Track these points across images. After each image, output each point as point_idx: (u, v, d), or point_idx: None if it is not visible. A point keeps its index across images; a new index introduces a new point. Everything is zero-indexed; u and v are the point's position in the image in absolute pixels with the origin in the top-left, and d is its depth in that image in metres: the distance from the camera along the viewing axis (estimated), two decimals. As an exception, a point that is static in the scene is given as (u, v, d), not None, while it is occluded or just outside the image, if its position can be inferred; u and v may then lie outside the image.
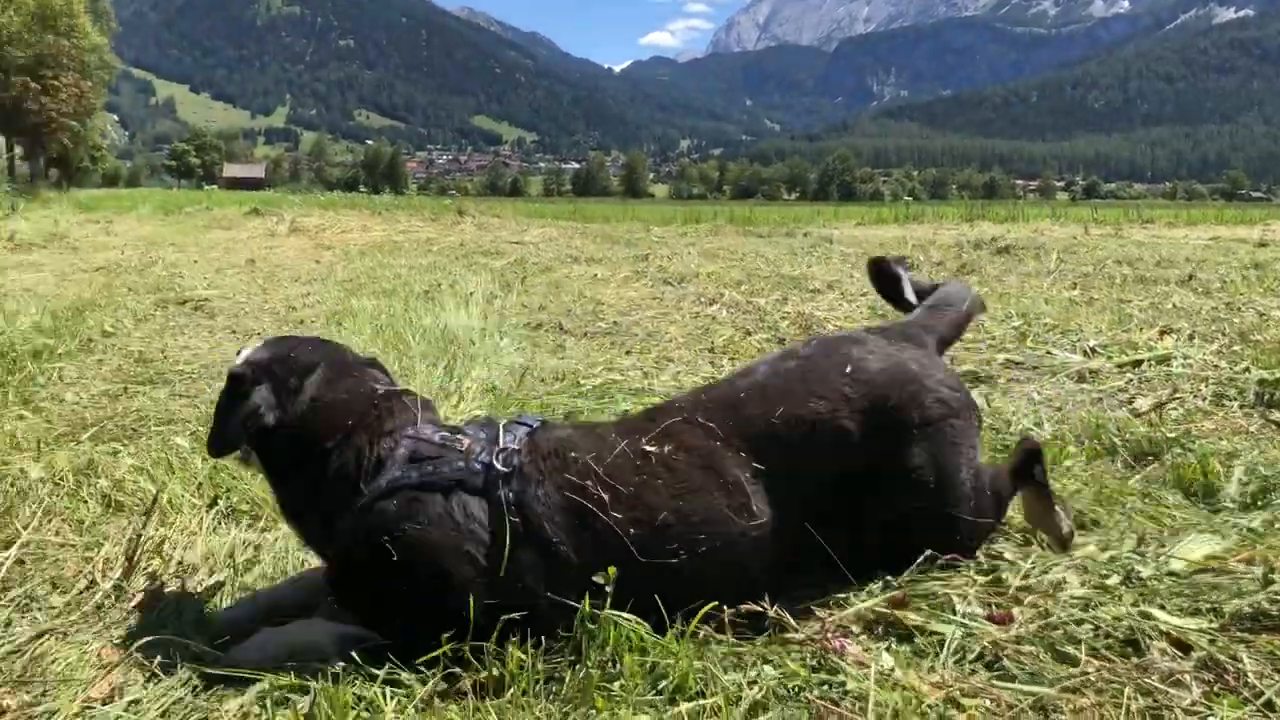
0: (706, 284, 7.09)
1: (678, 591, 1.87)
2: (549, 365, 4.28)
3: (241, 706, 1.64)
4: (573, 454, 1.99)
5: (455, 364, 4.37)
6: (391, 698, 1.64)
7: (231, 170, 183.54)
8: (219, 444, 2.05)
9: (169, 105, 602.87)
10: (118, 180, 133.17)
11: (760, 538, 1.98)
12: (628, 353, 4.51)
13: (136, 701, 1.68)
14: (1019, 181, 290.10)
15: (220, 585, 2.22)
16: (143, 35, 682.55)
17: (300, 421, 2.02)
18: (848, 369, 2.11)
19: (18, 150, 55.86)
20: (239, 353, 2.16)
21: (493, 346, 4.85)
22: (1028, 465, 2.27)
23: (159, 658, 1.80)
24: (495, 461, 1.93)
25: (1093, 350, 4.41)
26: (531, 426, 2.07)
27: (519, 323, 5.70)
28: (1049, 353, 4.43)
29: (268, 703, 1.65)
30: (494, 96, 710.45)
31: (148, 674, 1.77)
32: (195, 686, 1.73)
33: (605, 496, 1.91)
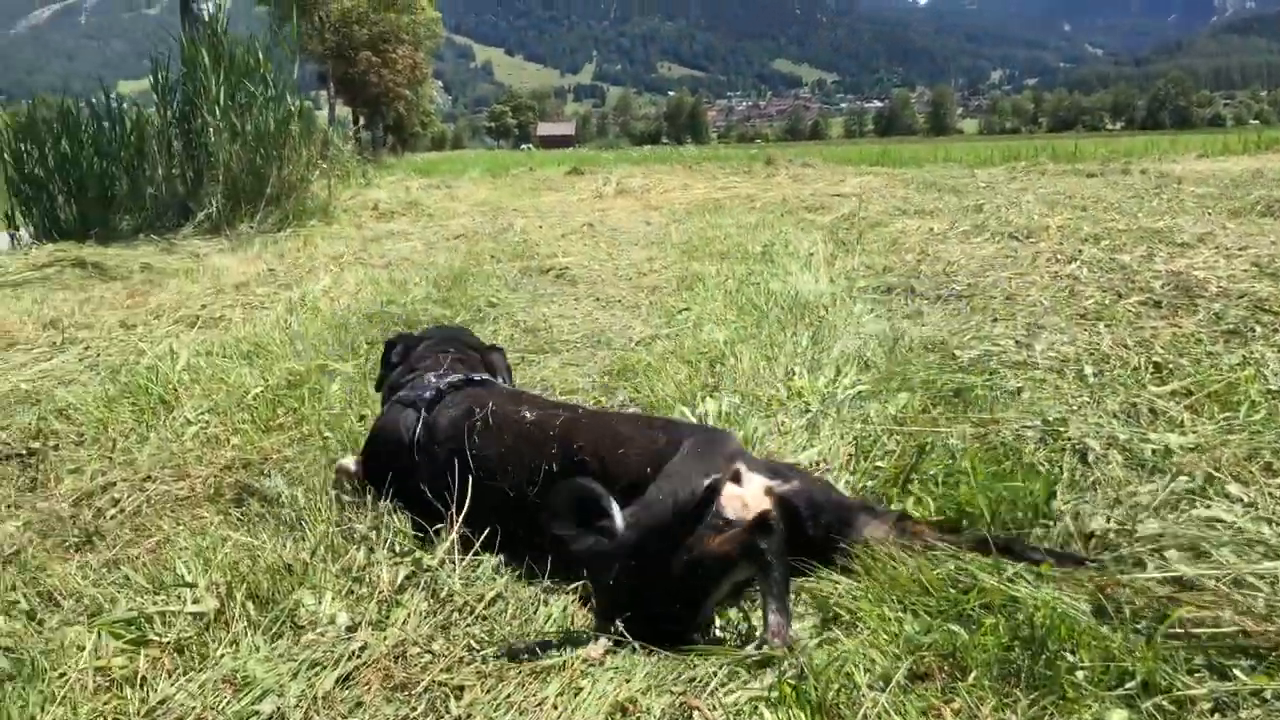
0: (1056, 237, 6.79)
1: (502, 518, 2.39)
2: (915, 334, 4.29)
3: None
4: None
5: (818, 333, 4.48)
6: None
7: (544, 129, 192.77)
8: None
9: (487, 68, 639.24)
10: (444, 143, 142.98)
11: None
12: (995, 320, 4.43)
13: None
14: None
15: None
16: (463, 3, 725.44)
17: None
18: None
19: (360, 121, 61.24)
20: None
21: (847, 313, 4.92)
22: None
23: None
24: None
25: None
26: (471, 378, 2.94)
27: (867, 286, 5.72)
28: None
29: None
30: (793, 39, 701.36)
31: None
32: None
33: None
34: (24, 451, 3.56)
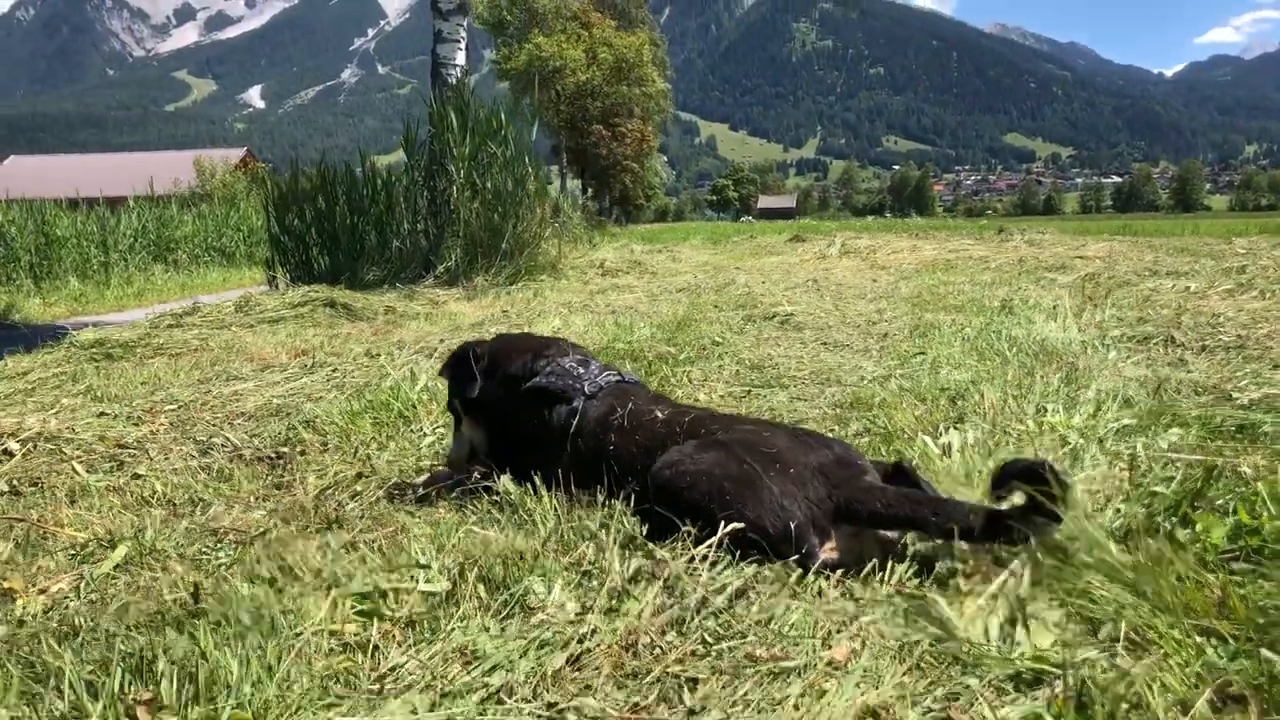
0: (1338, 295, 6.15)
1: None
2: (1180, 378, 3.92)
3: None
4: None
5: (1070, 375, 4.16)
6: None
7: (765, 201, 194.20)
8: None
9: (710, 143, 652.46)
10: (666, 215, 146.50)
11: None
12: (1276, 367, 3.99)
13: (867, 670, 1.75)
14: None
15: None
16: (689, 80, 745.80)
17: None
18: None
19: (589, 191, 63.61)
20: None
21: (1101, 359, 4.56)
22: None
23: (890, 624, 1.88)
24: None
25: None
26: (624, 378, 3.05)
27: (1121, 335, 5.31)
28: None
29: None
30: (1026, 112, 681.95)
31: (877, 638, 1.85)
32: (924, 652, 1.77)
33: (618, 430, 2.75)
34: (273, 455, 3.72)
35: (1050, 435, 3.16)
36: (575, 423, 2.83)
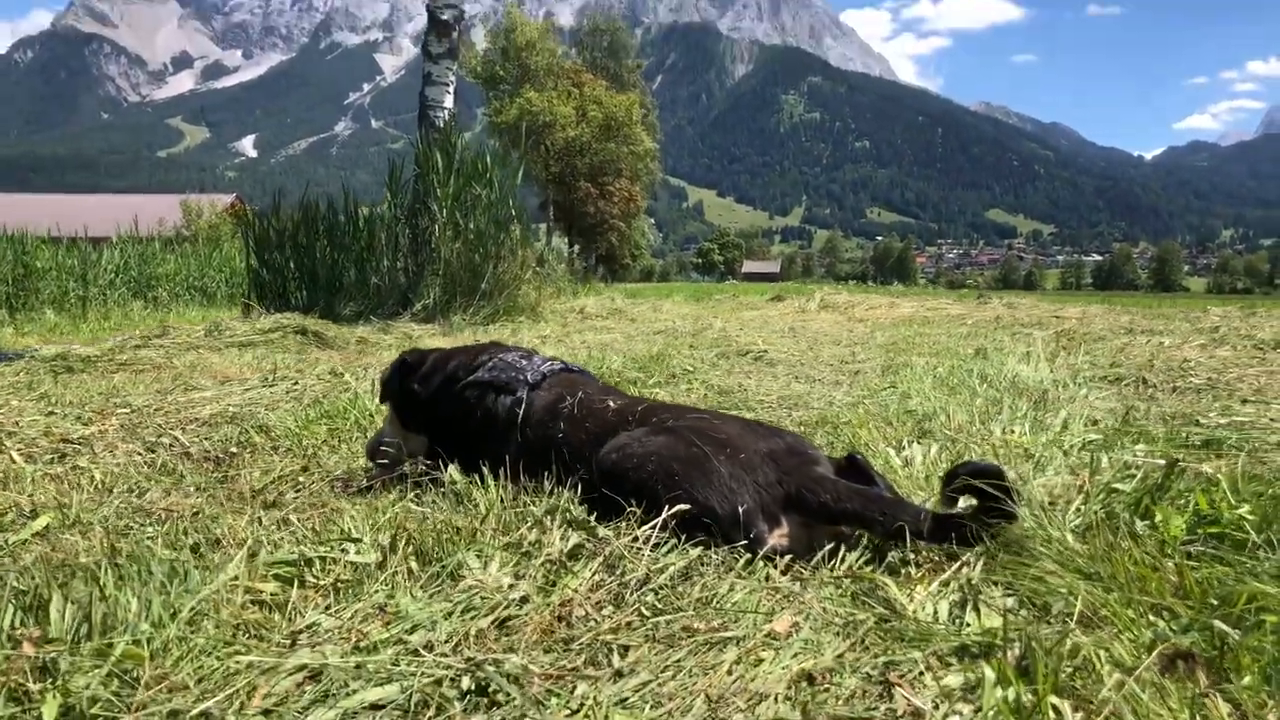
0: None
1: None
2: (1149, 409, 3.87)
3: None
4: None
5: (1040, 402, 4.11)
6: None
7: (749, 266, 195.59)
8: None
9: (698, 208, 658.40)
10: (651, 275, 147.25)
11: None
12: (1244, 402, 3.95)
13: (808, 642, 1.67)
14: None
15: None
16: (679, 146, 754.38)
17: None
18: None
19: (575, 247, 63.95)
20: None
21: (1072, 394, 4.52)
22: None
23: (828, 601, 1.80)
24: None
25: None
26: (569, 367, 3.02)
27: (1093, 376, 5.27)
28: None
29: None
30: (1009, 189, 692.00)
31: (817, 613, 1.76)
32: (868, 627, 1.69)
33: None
34: (222, 454, 3.62)
35: (1015, 450, 3.10)
36: (521, 412, 2.75)
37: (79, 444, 3.67)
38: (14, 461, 3.28)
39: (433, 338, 9.65)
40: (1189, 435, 3.00)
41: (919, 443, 3.21)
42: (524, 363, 2.95)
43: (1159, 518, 2.05)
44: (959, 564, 2.00)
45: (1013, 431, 3.42)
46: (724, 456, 2.22)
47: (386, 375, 3.24)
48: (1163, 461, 2.52)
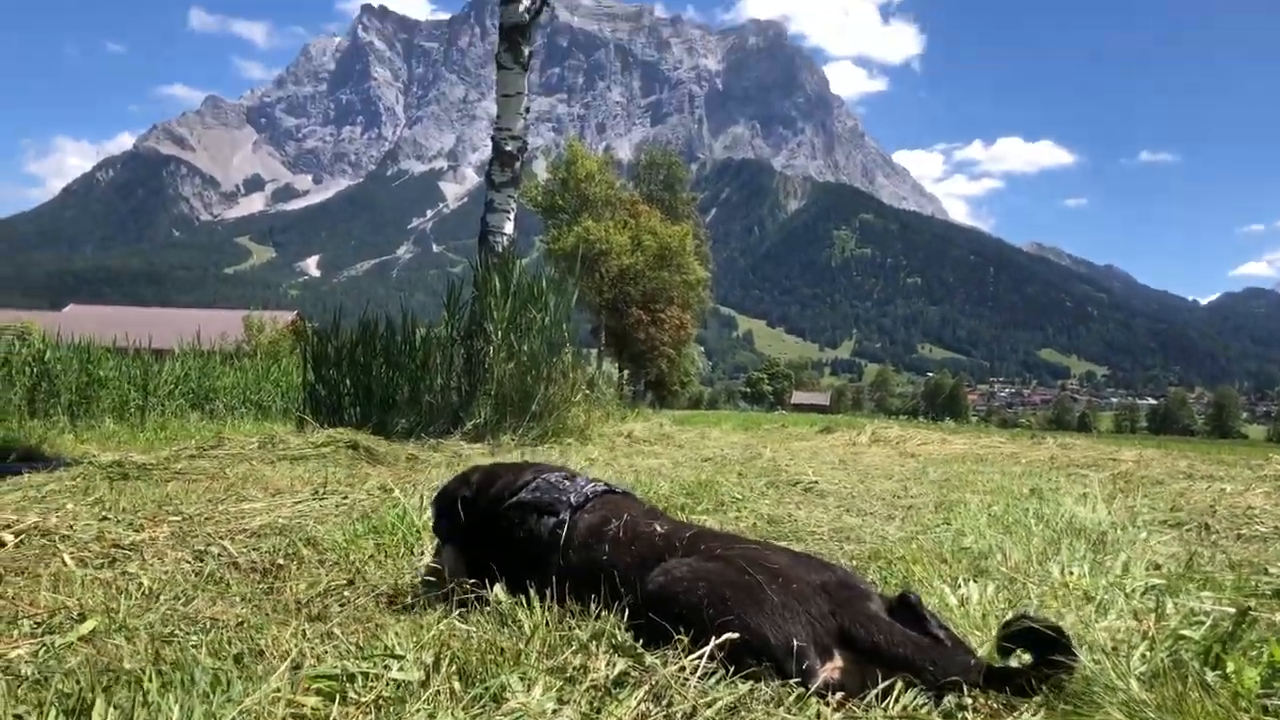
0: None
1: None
2: (1215, 557, 3.75)
3: None
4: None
5: (1100, 545, 4.00)
6: None
7: (799, 397, 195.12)
8: None
9: (748, 338, 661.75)
10: (700, 403, 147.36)
11: None
12: (1315, 553, 3.82)
13: None
14: None
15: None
16: (731, 277, 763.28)
17: None
18: None
19: (625, 372, 64.37)
20: None
21: (1131, 537, 4.40)
22: None
23: None
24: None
25: None
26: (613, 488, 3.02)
27: (1152, 519, 5.14)
28: None
29: None
30: (1062, 330, 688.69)
31: None
32: None
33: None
34: (269, 565, 3.62)
35: (1074, 592, 3.00)
36: (564, 534, 2.73)
37: (129, 550, 3.70)
38: (66, 565, 3.31)
39: (482, 457, 9.69)
40: (1258, 584, 2.89)
41: (975, 581, 3.13)
42: (567, 484, 2.95)
43: (1231, 668, 1.97)
44: (1018, 713, 1.92)
45: (1071, 573, 3.33)
46: (776, 586, 2.18)
47: (434, 498, 3.26)
48: (1232, 609, 2.43)
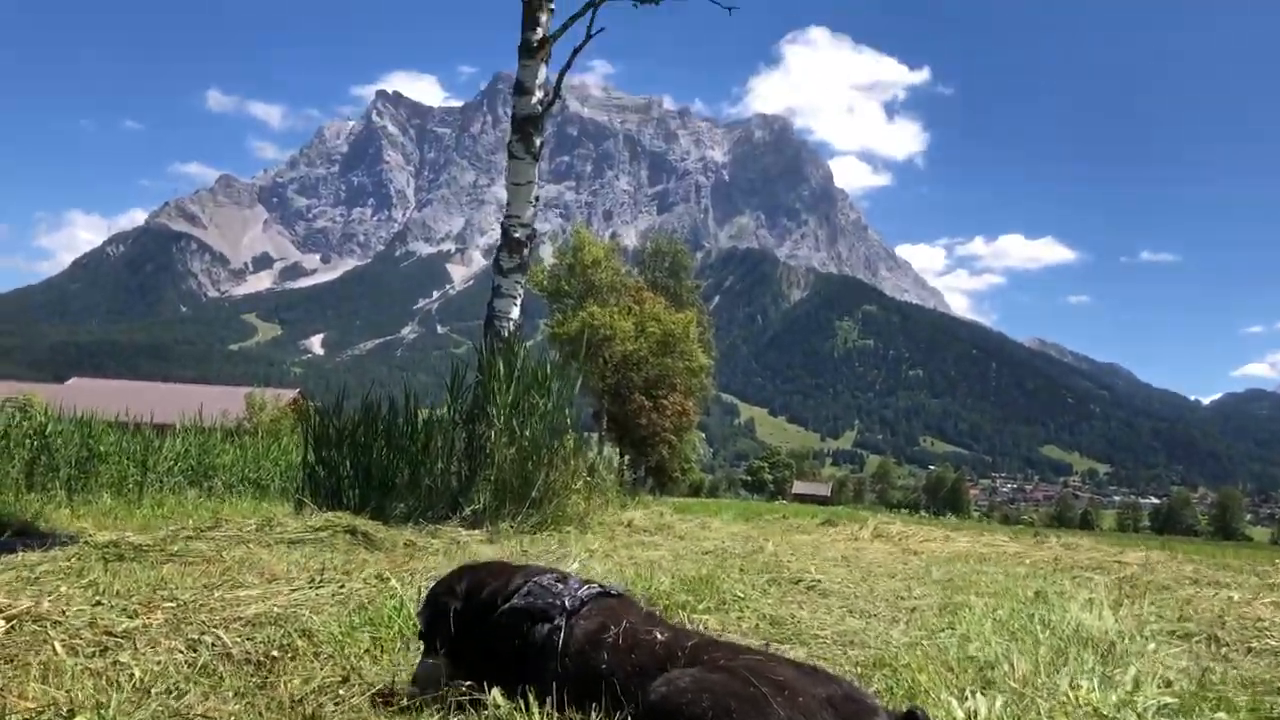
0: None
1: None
2: (1228, 673, 3.68)
3: None
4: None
5: (1109, 657, 3.93)
6: None
7: (800, 487, 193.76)
8: None
9: (749, 426, 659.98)
10: (700, 490, 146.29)
11: None
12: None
13: None
14: None
15: None
16: (733, 365, 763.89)
17: None
18: None
19: (625, 458, 64.13)
20: None
21: (1140, 648, 4.33)
22: None
23: None
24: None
25: None
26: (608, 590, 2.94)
27: (1160, 629, 5.06)
28: None
29: None
30: (1064, 426, 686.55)
31: None
32: None
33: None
34: (263, 658, 3.56)
35: (1084, 709, 2.94)
36: (560, 640, 2.68)
37: (122, 638, 3.64)
38: (56, 653, 3.26)
39: (480, 544, 9.60)
40: (1273, 705, 2.83)
41: (982, 693, 3.07)
42: (560, 587, 2.90)
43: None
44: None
45: (1079, 686, 3.26)
46: (782, 699, 2.14)
47: (420, 609, 3.19)
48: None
